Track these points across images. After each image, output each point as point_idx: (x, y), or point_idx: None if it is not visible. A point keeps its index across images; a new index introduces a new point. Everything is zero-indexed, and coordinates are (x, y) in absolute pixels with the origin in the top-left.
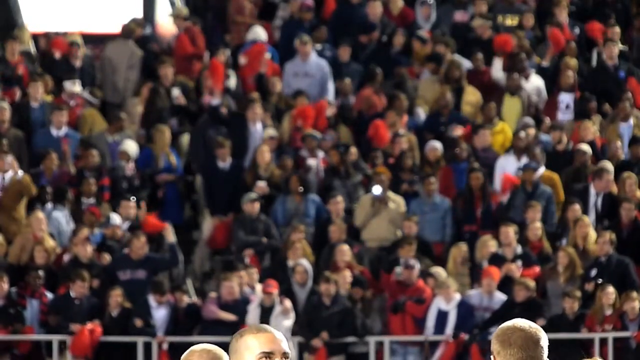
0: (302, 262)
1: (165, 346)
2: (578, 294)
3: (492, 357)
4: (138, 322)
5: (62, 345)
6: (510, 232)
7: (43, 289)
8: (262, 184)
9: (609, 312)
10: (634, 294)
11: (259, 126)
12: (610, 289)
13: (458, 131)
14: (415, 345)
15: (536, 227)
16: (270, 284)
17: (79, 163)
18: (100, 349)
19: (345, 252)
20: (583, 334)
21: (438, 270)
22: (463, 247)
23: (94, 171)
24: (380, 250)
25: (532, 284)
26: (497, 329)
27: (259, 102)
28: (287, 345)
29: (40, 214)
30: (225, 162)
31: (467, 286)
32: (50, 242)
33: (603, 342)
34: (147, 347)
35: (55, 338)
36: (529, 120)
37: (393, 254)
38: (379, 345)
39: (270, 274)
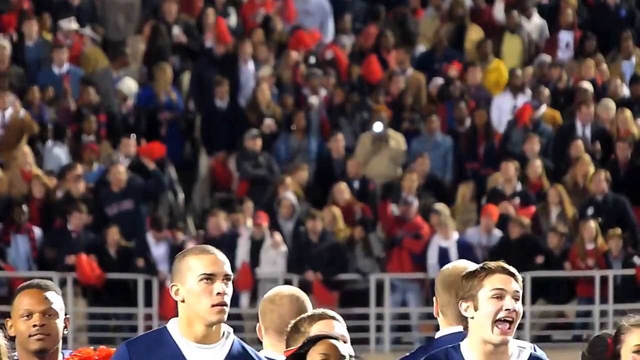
0: (288, 195)
1: (168, 283)
2: (563, 229)
3: (434, 298)
4: (140, 262)
5: (61, 281)
6: (511, 167)
7: (30, 224)
8: (269, 122)
9: (590, 246)
10: (618, 231)
11: (250, 65)
12: (592, 224)
13: (451, 69)
14: (415, 282)
15: (536, 165)
16: (260, 217)
17: (79, 100)
18: (100, 287)
19: (343, 190)
20: (572, 272)
21: (441, 207)
22: (471, 184)
23: (92, 109)
24: (384, 186)
25: (526, 221)
26: (441, 270)
27: (249, 41)
28: (229, 267)
29: (25, 149)
30: (223, 101)
31: (473, 222)
32: (40, 177)
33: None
34: (148, 284)
35: (55, 276)
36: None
37: (395, 190)
38: (379, 282)
39: (265, 209)
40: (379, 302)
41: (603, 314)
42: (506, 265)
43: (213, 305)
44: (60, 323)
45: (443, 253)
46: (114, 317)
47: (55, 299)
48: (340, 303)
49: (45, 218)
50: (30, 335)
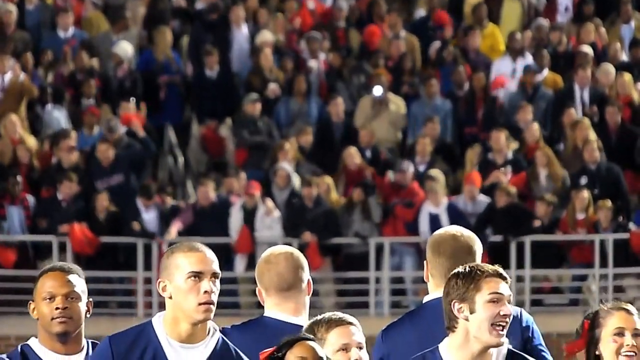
0: (283, 165)
1: (165, 247)
2: (552, 198)
3: (425, 263)
4: (136, 225)
5: (50, 247)
6: (501, 137)
7: (24, 193)
8: (273, 86)
9: (581, 216)
10: (608, 203)
11: (244, 29)
12: (585, 194)
13: (446, 33)
14: (410, 246)
15: (533, 129)
16: (252, 186)
17: (75, 64)
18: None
19: (353, 155)
20: (569, 237)
21: (435, 174)
22: (477, 148)
23: (87, 73)
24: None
25: (513, 189)
26: (432, 235)
27: (241, 5)
28: (217, 265)
29: (13, 117)
30: (212, 71)
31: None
32: (31, 142)
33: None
34: (135, 249)
35: (54, 240)
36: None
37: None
38: (379, 246)
39: (263, 177)
40: (378, 266)
41: (600, 278)
42: (500, 270)
43: (200, 304)
44: (82, 306)
45: (434, 219)
46: (106, 281)
47: (78, 281)
48: (337, 267)
49: (36, 187)
50: (52, 318)
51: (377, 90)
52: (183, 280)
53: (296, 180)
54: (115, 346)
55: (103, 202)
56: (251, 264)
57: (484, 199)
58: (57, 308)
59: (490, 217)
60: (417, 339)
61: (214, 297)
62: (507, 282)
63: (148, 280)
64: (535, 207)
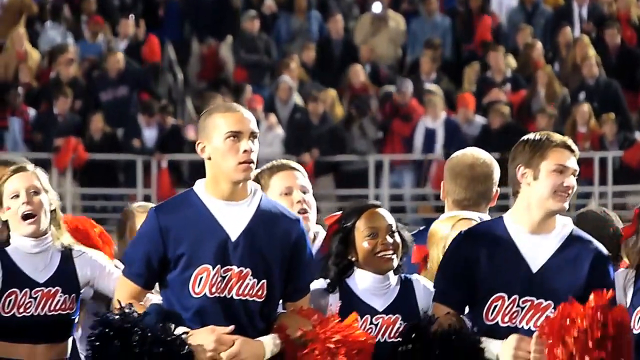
0: (286, 79)
1: (164, 164)
2: (552, 111)
3: (442, 183)
4: (137, 142)
5: (47, 163)
6: (499, 56)
7: (24, 106)
8: (270, 2)
9: (583, 129)
10: (612, 116)
11: None
12: (585, 107)
13: None
14: (408, 164)
15: (536, 47)
16: (255, 99)
17: None
18: (89, 170)
19: (359, 72)
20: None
21: (433, 88)
22: (476, 66)
23: None
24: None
25: (506, 109)
26: (451, 157)
27: None
28: (255, 124)
29: (21, 30)
30: None
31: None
32: (35, 59)
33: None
34: (133, 166)
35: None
36: None
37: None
38: (378, 163)
39: (267, 93)
40: (377, 184)
41: (602, 195)
42: (569, 142)
43: (239, 163)
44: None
45: (429, 134)
46: (102, 198)
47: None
48: (337, 184)
49: (34, 101)
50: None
51: (376, 7)
52: (222, 140)
53: (297, 99)
54: (160, 212)
55: (98, 124)
56: None
57: (479, 120)
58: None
59: (485, 139)
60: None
61: (253, 156)
62: (575, 155)
63: (147, 198)
64: (536, 123)
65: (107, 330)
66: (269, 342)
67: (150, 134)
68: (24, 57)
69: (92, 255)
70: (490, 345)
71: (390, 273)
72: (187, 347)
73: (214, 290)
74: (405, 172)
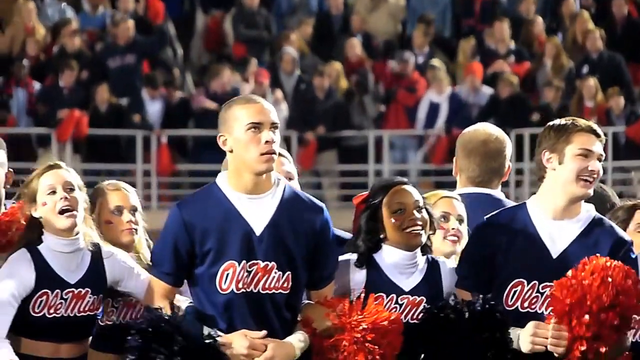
0: (288, 50)
1: (164, 139)
2: (561, 84)
3: (454, 159)
4: (137, 117)
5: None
6: (504, 27)
7: (30, 79)
8: None
9: (590, 104)
10: (617, 90)
11: None
12: (591, 81)
13: None
14: (412, 138)
15: (537, 21)
16: (261, 74)
17: None
18: (90, 144)
19: (355, 45)
20: None
21: (437, 63)
22: (472, 40)
23: None
24: (385, 43)
25: (515, 79)
26: (462, 133)
27: None
28: (276, 115)
29: (30, 4)
30: None
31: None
32: (41, 33)
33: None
34: (142, 140)
35: (50, 133)
36: None
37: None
38: (377, 138)
39: (268, 68)
40: (378, 159)
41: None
42: (595, 126)
43: (262, 154)
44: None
45: (433, 108)
46: (106, 174)
47: None
48: (340, 160)
49: (40, 74)
50: None
51: None
52: (243, 131)
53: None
54: (185, 208)
55: (103, 94)
56: None
57: (486, 90)
58: None
59: (493, 108)
60: None
61: (275, 147)
62: (600, 140)
63: (147, 173)
64: (543, 96)
65: (149, 335)
66: (299, 341)
67: (154, 108)
68: (31, 31)
69: (121, 256)
70: (511, 333)
71: (418, 252)
72: (221, 353)
73: (240, 285)
74: (408, 148)
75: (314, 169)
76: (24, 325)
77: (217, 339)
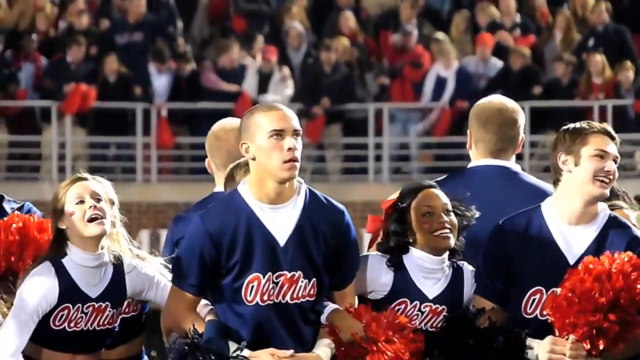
0: (295, 25)
1: (164, 112)
2: (572, 59)
3: (468, 131)
4: (138, 90)
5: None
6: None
7: (37, 53)
8: None
9: (598, 80)
10: (628, 63)
11: None
12: (598, 57)
13: None
14: (415, 112)
15: None
16: (269, 50)
17: None
18: (99, 116)
19: (349, 18)
20: (579, 102)
21: (440, 36)
22: (465, 13)
23: None
24: (382, 16)
25: (527, 51)
26: (475, 105)
27: None
28: (297, 122)
29: None
30: None
31: (469, 53)
32: (49, 8)
33: (601, 111)
34: (147, 114)
35: (52, 105)
36: None
37: (394, 19)
38: (379, 111)
39: (268, 43)
40: (378, 132)
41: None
42: (609, 128)
43: (285, 162)
44: None
45: (440, 82)
46: (113, 146)
47: None
48: (345, 133)
49: (48, 50)
50: None
51: None
52: (265, 139)
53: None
54: (208, 222)
55: (112, 65)
56: None
57: (495, 62)
58: None
59: (504, 79)
60: (469, 198)
61: (298, 154)
62: (615, 143)
63: (147, 146)
64: (552, 70)
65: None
66: (326, 353)
67: (160, 82)
68: (41, 7)
69: (142, 268)
70: (532, 343)
71: (445, 257)
72: None
73: (265, 298)
74: (412, 121)
75: (318, 142)
76: (44, 337)
77: (245, 355)
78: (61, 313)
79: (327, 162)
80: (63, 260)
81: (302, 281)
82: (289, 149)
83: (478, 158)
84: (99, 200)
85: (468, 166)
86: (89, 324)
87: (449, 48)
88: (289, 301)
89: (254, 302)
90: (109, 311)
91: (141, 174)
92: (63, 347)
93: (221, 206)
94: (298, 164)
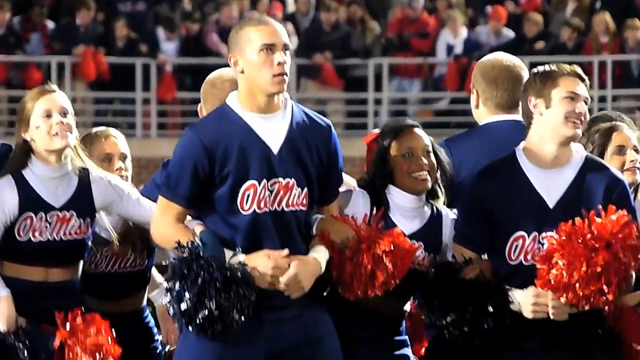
0: None
1: (168, 68)
2: (579, 23)
3: (473, 89)
4: (143, 47)
5: (62, 68)
6: None
7: (45, 20)
8: None
9: (605, 39)
10: (636, 22)
11: None
12: (606, 16)
13: None
14: (420, 76)
15: None
16: (274, 5)
17: None
18: (106, 79)
19: None
20: (581, 57)
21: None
22: None
23: None
24: None
25: (540, 19)
26: (479, 62)
27: None
28: (287, 37)
29: None
30: None
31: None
32: None
33: (602, 67)
34: (147, 69)
35: (55, 59)
36: None
37: None
38: (379, 69)
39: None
40: (378, 88)
41: (615, 98)
42: (579, 70)
43: (274, 76)
44: None
45: (450, 50)
46: (117, 102)
47: None
48: (346, 89)
49: (56, 15)
50: None
51: None
52: (255, 53)
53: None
54: (201, 133)
55: (122, 31)
56: None
57: (507, 32)
58: None
59: (517, 45)
60: (485, 152)
61: (287, 68)
62: (585, 84)
63: (147, 101)
64: (560, 35)
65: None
66: (323, 256)
67: (169, 46)
68: None
69: (111, 179)
70: (515, 295)
71: (423, 198)
72: (247, 274)
73: (262, 205)
74: (410, 77)
75: (319, 97)
76: (12, 250)
77: (242, 260)
78: (24, 223)
79: (329, 116)
80: (23, 171)
81: (295, 189)
82: (279, 63)
83: (489, 115)
84: (65, 115)
85: (482, 123)
86: (54, 234)
87: (455, 14)
88: (285, 208)
89: (250, 210)
90: (75, 221)
91: (140, 129)
92: (33, 259)
93: (212, 118)
94: (287, 78)
